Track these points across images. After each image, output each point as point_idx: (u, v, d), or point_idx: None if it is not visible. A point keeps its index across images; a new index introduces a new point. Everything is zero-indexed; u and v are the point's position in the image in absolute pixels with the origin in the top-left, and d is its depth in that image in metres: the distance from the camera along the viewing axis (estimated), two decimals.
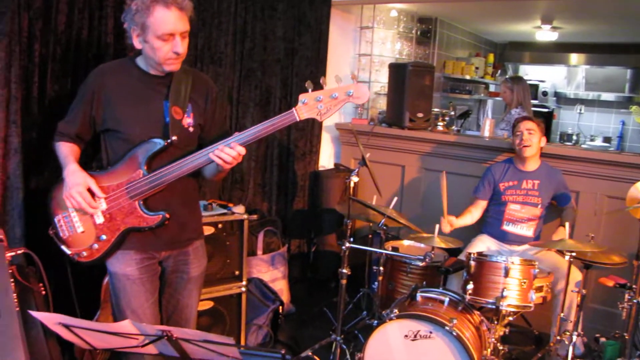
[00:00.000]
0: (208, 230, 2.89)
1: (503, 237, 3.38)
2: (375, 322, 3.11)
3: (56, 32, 2.63)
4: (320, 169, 4.49)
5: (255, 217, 3.53)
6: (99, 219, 2.06)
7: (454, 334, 2.44)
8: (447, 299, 2.71)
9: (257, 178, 3.96)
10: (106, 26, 2.83)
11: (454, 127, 4.71)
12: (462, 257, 3.19)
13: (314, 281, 4.37)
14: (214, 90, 2.29)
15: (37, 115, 2.59)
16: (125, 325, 1.42)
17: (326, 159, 4.64)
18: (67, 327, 1.42)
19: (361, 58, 4.93)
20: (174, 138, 2.04)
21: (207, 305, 2.98)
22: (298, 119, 1.99)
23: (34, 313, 1.41)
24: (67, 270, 2.45)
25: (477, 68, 6.46)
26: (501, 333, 2.79)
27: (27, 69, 2.53)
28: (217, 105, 2.28)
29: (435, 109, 4.70)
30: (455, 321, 2.47)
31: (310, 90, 1.96)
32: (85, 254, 2.09)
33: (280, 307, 3.40)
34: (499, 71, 7.29)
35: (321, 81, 1.99)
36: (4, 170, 2.45)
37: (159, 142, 2.03)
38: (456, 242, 3.07)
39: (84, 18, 2.74)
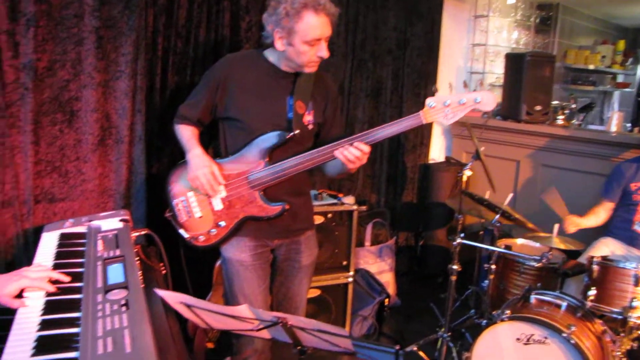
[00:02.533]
0: (317, 220, 2.93)
1: (632, 241, 3.12)
2: (485, 321, 3.01)
3: (177, 26, 2.77)
4: (431, 161, 4.41)
5: (364, 208, 3.54)
6: (218, 206, 2.15)
7: (572, 342, 2.29)
8: (564, 304, 2.55)
9: (367, 169, 3.96)
10: (223, 19, 2.94)
11: (574, 121, 4.42)
12: (582, 260, 3.00)
13: (421, 275, 4.31)
14: (334, 89, 2.31)
15: (158, 105, 2.75)
16: (243, 310, 1.47)
17: (437, 152, 4.54)
18: (188, 306, 1.50)
19: (475, 48, 4.76)
20: (297, 132, 2.08)
21: (314, 293, 3.04)
22: (424, 122, 1.97)
23: (159, 291, 1.50)
24: (180, 252, 2.60)
25: (603, 57, 6.01)
26: (628, 347, 2.58)
27: (151, 62, 2.70)
28: (337, 105, 2.30)
29: (555, 102, 4.44)
30: (573, 328, 2.32)
31: (436, 93, 1.95)
32: (202, 238, 2.19)
33: (387, 300, 3.39)
34: (630, 59, 6.71)
35: (433, 89, 1.97)
36: (129, 156, 2.63)
37: (283, 135, 2.08)
38: (576, 244, 2.89)
39: (202, 12, 2.86)
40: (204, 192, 2.12)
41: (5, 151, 2.35)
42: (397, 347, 1.46)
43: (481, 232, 3.53)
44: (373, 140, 2.00)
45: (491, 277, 3.10)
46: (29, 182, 2.41)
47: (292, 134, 2.07)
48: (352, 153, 1.98)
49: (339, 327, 1.47)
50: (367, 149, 2.00)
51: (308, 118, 2.17)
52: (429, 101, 1.96)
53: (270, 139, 2.09)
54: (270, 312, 1.48)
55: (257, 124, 2.11)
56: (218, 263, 2.68)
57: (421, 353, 3.03)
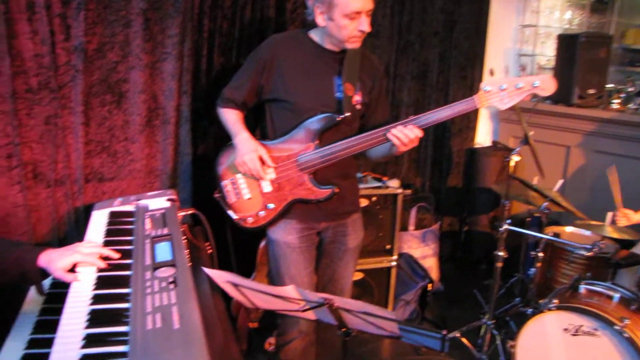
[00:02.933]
0: (362, 203, 2.91)
1: None
2: (530, 310, 2.93)
3: (223, 8, 2.76)
4: (477, 146, 4.32)
5: (409, 192, 3.50)
6: (267, 188, 2.16)
7: (625, 335, 2.21)
8: (617, 295, 2.45)
9: (412, 153, 3.90)
10: (268, 0, 2.92)
11: (631, 105, 4.23)
12: (637, 250, 2.89)
13: (465, 261, 4.25)
14: (380, 70, 2.28)
15: (204, 87, 2.77)
16: (289, 290, 1.47)
17: (483, 136, 4.44)
18: (235, 285, 1.51)
19: (525, 29, 4.60)
20: (348, 114, 2.06)
21: (357, 276, 3.03)
22: (478, 107, 1.93)
23: (207, 269, 1.52)
24: (226, 232, 2.62)
25: None
26: None
27: (197, 43, 2.71)
28: (383, 86, 2.27)
29: (610, 85, 4.26)
30: (627, 321, 2.23)
31: (491, 76, 1.90)
32: (251, 220, 2.20)
33: (430, 285, 3.36)
34: None
35: (489, 71, 1.91)
36: (176, 136, 2.66)
37: (334, 117, 2.06)
38: (631, 234, 2.78)
39: None
40: (252, 176, 2.13)
41: (58, 131, 2.41)
42: (445, 332, 1.43)
43: (528, 219, 3.44)
44: (426, 124, 1.97)
45: (538, 265, 3.03)
46: (79, 162, 2.47)
47: (343, 116, 2.05)
48: (406, 135, 1.95)
49: (386, 310, 1.45)
50: (420, 133, 1.97)
51: (356, 98, 2.15)
52: (484, 85, 1.91)
53: (320, 121, 2.07)
54: (316, 293, 1.48)
55: (305, 105, 2.10)
56: (262, 244, 2.69)
57: (464, 340, 3.00)
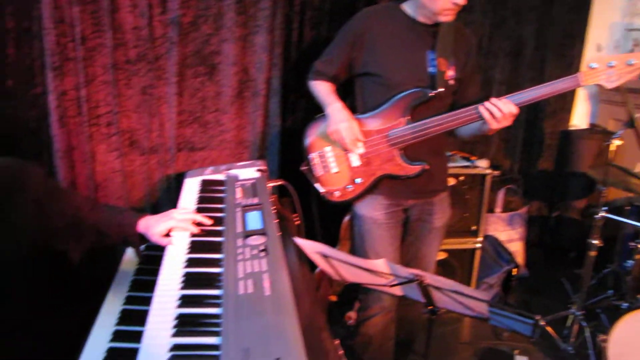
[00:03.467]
0: (449, 182, 2.83)
1: None
2: (626, 305, 2.78)
3: None
4: (572, 128, 4.09)
5: (497, 173, 3.37)
6: (356, 162, 2.14)
7: None
8: None
9: (502, 133, 3.75)
10: None
11: None
12: None
13: (552, 248, 4.07)
14: (474, 45, 2.19)
15: (295, 60, 2.77)
16: (380, 264, 1.46)
17: (579, 118, 4.19)
18: (325, 256, 1.51)
19: (636, 1, 4.26)
20: (441, 90, 2.01)
21: (440, 256, 2.98)
22: (582, 85, 1.81)
23: (299, 239, 1.53)
24: (311, 205, 2.63)
25: None
26: None
27: (288, 17, 2.71)
28: (476, 62, 2.19)
29: None
30: None
31: (597, 52, 1.77)
32: (337, 194, 2.20)
33: (514, 270, 3.25)
34: None
35: (596, 46, 1.77)
36: (266, 108, 2.69)
37: (427, 93, 2.01)
38: None
39: None
40: (343, 147, 2.12)
41: (153, 101, 2.50)
42: (538, 317, 1.37)
43: (627, 208, 3.23)
44: (522, 102, 1.88)
45: (637, 257, 2.84)
46: (172, 131, 2.55)
47: (436, 91, 2.00)
48: (499, 109, 1.87)
49: (478, 290, 1.41)
50: (515, 109, 1.88)
51: (450, 74, 2.08)
52: (591, 62, 1.79)
53: (413, 96, 2.03)
54: (407, 268, 1.45)
55: (398, 79, 2.06)
56: (346, 218, 2.69)
57: (549, 329, 2.88)
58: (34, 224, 1.65)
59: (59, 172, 2.42)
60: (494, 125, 1.93)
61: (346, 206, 2.35)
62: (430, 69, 2.05)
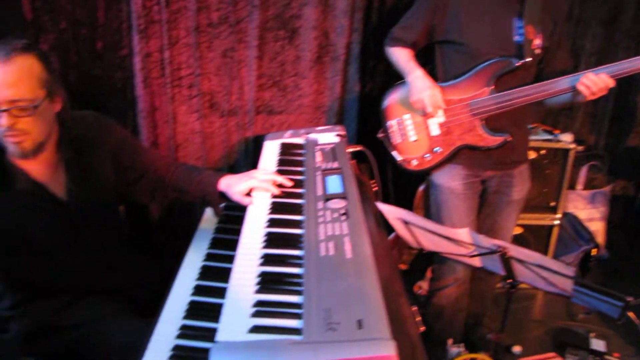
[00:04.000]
0: (529, 155, 2.74)
1: None
2: None
3: None
4: None
5: (581, 148, 3.22)
6: (435, 131, 2.10)
7: None
8: None
9: (589, 106, 3.55)
10: None
11: None
12: None
13: (636, 230, 3.87)
14: (564, 11, 2.10)
15: (375, 25, 2.71)
16: (462, 233, 1.43)
17: None
18: (406, 223, 1.49)
19: None
20: (529, 59, 1.93)
21: (516, 231, 2.89)
22: None
23: (381, 204, 1.52)
24: (386, 173, 2.60)
25: None
26: None
27: None
28: (564, 30, 2.08)
29: None
30: None
31: None
32: (415, 162, 2.16)
33: (594, 250, 3.11)
34: None
35: None
36: (344, 74, 2.66)
37: (513, 62, 1.94)
38: None
39: None
40: (425, 115, 2.07)
41: (233, 64, 2.53)
42: (630, 299, 1.30)
43: None
44: (619, 74, 1.78)
45: None
46: (251, 94, 2.58)
47: (523, 61, 1.92)
48: (596, 84, 1.78)
49: (563, 265, 1.36)
50: (612, 83, 1.78)
51: (537, 42, 1.99)
52: None
53: (498, 65, 1.96)
54: (490, 239, 1.42)
55: (482, 47, 1.99)
56: (421, 188, 2.66)
57: (631, 314, 2.76)
58: (112, 175, 1.73)
59: (142, 131, 2.51)
60: (590, 98, 1.84)
61: (421, 175, 2.32)
62: (517, 38, 1.97)
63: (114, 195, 1.78)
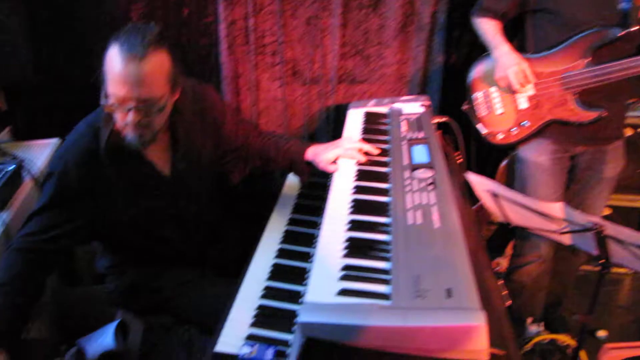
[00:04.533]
0: (625, 132, 2.59)
1: None
2: None
3: None
4: None
5: None
6: (523, 105, 2.02)
7: None
8: None
9: None
10: None
11: None
12: None
13: None
14: None
15: None
16: (555, 208, 1.39)
17: None
18: (495, 195, 1.46)
19: None
20: (635, 29, 1.80)
21: (604, 211, 2.76)
22: None
23: (470, 175, 1.49)
24: (469, 145, 2.53)
25: None
26: None
27: None
28: None
29: None
30: None
31: None
32: (501, 136, 2.10)
33: None
34: None
35: None
36: (429, 44, 2.60)
37: (615, 32, 1.82)
38: None
39: None
40: (512, 90, 2.00)
41: (317, 32, 2.53)
42: None
43: None
44: None
45: None
46: (334, 63, 2.58)
47: (627, 31, 1.80)
48: None
49: None
50: None
51: None
52: None
53: (597, 35, 1.84)
54: (586, 215, 1.36)
55: (580, 16, 1.88)
56: (503, 163, 2.58)
57: None
58: (212, 147, 1.78)
59: (225, 97, 2.57)
60: None
61: (506, 149, 2.25)
62: (623, 5, 1.84)
63: (212, 168, 1.83)
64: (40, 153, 2.24)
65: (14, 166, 2.01)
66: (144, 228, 1.69)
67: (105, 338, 1.70)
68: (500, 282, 1.32)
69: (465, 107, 2.20)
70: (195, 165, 1.71)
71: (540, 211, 1.41)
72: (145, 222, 1.68)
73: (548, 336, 2.21)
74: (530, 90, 1.99)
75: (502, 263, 2.65)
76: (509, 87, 1.98)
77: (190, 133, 1.69)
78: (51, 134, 2.37)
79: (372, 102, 2.13)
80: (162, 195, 1.67)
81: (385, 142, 1.76)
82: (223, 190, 2.09)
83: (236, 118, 1.89)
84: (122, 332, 1.76)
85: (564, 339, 2.17)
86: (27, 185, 2.08)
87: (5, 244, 1.62)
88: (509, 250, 2.63)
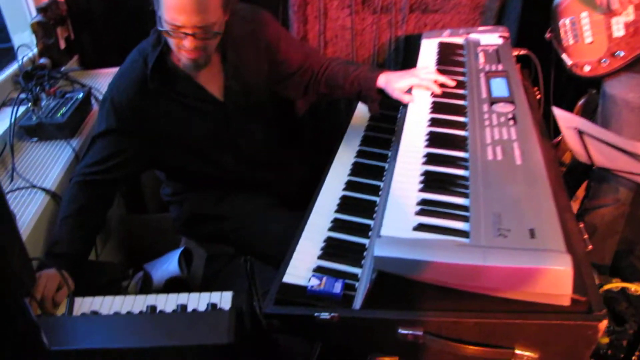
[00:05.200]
0: None
1: None
2: None
3: None
4: None
5: None
6: (619, 32, 1.84)
7: None
8: None
9: None
10: None
11: None
12: None
13: None
14: None
15: None
16: None
17: None
18: (580, 133, 1.37)
19: None
20: None
21: None
22: None
23: (557, 110, 1.41)
24: (548, 81, 2.39)
25: None
26: None
27: None
28: None
29: None
30: None
31: None
32: (587, 68, 1.94)
33: None
34: None
35: None
36: None
37: None
38: None
39: None
40: (608, 13, 1.82)
41: None
42: None
43: None
44: None
45: None
46: None
47: None
48: None
49: None
50: None
51: None
52: None
53: None
54: None
55: None
56: (581, 101, 2.43)
57: None
58: (266, 71, 1.74)
59: (292, 25, 2.49)
60: None
61: (587, 83, 2.10)
62: None
63: (267, 92, 1.80)
64: (107, 81, 2.26)
65: (82, 94, 2.03)
66: (201, 153, 1.70)
67: (170, 264, 1.76)
68: (581, 224, 1.24)
69: (548, 35, 2.03)
70: (248, 87, 1.69)
71: (632, 151, 1.32)
72: (201, 147, 1.69)
73: (619, 284, 2.13)
74: (630, 14, 1.80)
75: (573, 206, 2.55)
76: (607, 6, 1.79)
77: (241, 53, 1.66)
78: (118, 62, 2.38)
79: (447, 32, 2.02)
80: (215, 119, 1.67)
81: (461, 74, 1.68)
82: (287, 119, 2.07)
83: (292, 42, 1.83)
84: (185, 259, 1.81)
85: (637, 287, 2.09)
86: (96, 113, 2.11)
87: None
88: (580, 193, 2.52)
